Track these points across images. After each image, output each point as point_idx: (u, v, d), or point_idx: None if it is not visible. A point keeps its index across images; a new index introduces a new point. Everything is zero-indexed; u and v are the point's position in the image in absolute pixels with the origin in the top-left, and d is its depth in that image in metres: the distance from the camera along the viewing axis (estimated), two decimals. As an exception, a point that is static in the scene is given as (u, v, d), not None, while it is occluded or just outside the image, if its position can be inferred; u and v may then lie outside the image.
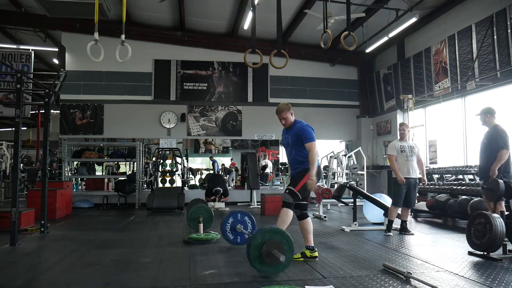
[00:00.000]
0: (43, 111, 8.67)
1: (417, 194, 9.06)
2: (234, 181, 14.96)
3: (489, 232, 4.34)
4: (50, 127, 7.25)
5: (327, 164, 11.61)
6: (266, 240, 3.70)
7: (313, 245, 4.49)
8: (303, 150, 4.35)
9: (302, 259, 4.41)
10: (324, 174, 11.45)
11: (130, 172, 12.49)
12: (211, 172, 15.66)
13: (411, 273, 3.64)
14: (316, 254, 4.48)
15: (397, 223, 6.89)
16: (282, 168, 13.34)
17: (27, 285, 3.69)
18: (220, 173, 15.14)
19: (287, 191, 4.38)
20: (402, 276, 3.68)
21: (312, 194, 6.75)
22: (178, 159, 11.52)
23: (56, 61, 13.03)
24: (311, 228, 4.50)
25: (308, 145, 4.29)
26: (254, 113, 12.04)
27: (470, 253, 4.68)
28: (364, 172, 10.61)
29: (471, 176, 7.63)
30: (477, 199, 6.60)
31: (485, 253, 4.46)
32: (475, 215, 4.72)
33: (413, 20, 8.59)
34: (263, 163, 12.64)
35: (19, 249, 5.27)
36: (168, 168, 11.28)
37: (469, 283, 3.57)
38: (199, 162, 20.46)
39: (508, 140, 5.30)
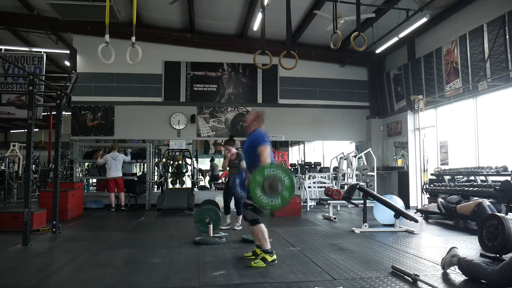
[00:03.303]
0: (55, 112, 8.77)
1: (428, 195, 9.05)
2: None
3: (502, 234, 4.28)
4: (62, 128, 7.33)
5: (337, 165, 11.57)
6: (268, 176, 4.01)
7: (270, 248, 4.41)
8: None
9: (263, 264, 4.26)
10: (334, 175, 11.44)
11: (140, 173, 12.57)
12: None
13: (418, 276, 3.62)
14: (275, 256, 4.39)
15: (407, 225, 6.85)
16: (292, 169, 13.30)
17: (39, 284, 3.74)
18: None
19: (249, 207, 4.37)
20: (410, 279, 3.66)
21: None
22: (188, 160, 11.56)
23: (67, 63, 13.18)
24: (266, 231, 4.44)
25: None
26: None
27: (482, 255, 4.62)
28: (374, 173, 10.56)
29: (482, 177, 7.53)
30: (489, 200, 6.52)
31: (497, 255, 4.40)
32: (488, 216, 4.66)
33: (424, 20, 8.51)
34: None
35: (31, 249, 5.33)
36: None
37: (480, 285, 3.53)
38: (208, 163, 20.47)
39: None
